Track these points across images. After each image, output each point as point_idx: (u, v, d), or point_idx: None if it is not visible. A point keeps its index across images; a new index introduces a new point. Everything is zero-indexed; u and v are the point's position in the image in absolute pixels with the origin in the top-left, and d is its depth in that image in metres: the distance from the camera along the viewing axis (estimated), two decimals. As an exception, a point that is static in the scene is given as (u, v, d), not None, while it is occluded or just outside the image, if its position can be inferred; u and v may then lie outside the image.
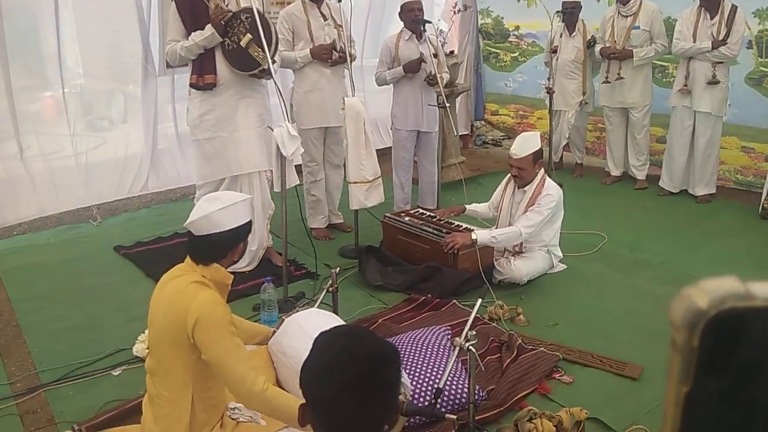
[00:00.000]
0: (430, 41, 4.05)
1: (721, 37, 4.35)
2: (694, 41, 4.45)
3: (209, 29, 3.06)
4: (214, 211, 1.91)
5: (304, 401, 1.16)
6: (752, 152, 4.89)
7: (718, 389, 0.29)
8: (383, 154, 4.01)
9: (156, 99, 4.67)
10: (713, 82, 4.44)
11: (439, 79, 3.92)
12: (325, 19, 3.76)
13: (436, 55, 4.12)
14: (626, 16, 4.82)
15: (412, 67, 4.05)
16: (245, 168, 3.32)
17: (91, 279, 3.47)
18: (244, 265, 3.44)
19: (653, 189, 5.03)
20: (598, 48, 5.05)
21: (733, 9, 4.35)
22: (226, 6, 3.09)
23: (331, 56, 3.72)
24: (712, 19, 4.40)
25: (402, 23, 4.17)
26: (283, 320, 2.42)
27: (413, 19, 4.02)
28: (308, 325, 2.20)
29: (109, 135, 4.77)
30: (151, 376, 1.93)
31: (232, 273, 2.04)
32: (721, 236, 4.09)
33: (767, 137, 4.45)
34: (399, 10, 4.16)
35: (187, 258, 1.95)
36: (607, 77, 5.01)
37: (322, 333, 1.20)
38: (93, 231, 4.26)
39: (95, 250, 3.88)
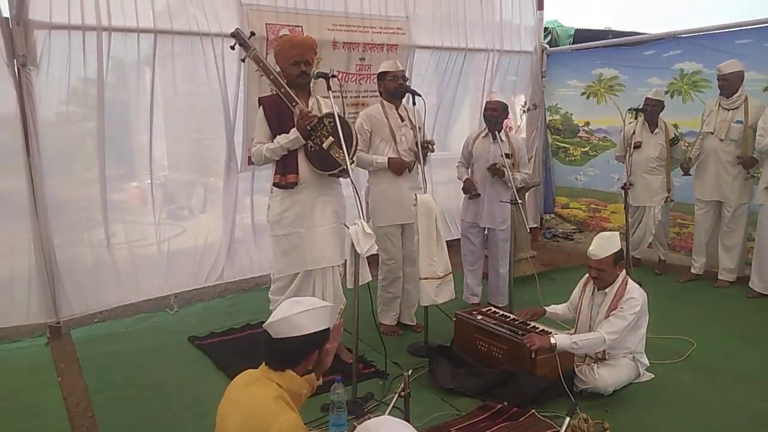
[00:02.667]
0: (507, 139, 4.24)
1: (808, 134, 4.19)
2: (779, 138, 4.31)
3: (294, 133, 3.22)
4: (295, 314, 1.91)
5: None
6: None
7: None
8: (450, 246, 4.03)
9: (236, 192, 4.88)
10: (803, 179, 4.23)
11: (508, 173, 3.98)
12: (402, 120, 3.91)
13: (509, 155, 4.17)
14: (728, 110, 4.74)
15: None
16: (320, 263, 3.37)
17: (165, 371, 3.52)
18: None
19: (741, 290, 4.73)
20: (694, 150, 4.95)
21: (821, 106, 4.22)
22: (310, 111, 3.27)
23: (402, 172, 3.86)
24: (798, 114, 4.27)
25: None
26: (354, 426, 2.34)
27: (489, 121, 4.20)
28: (381, 434, 2.11)
29: (188, 224, 4.98)
30: None
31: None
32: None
33: None
34: (484, 109, 4.35)
35: (263, 364, 1.94)
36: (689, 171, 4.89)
37: None
38: (169, 320, 4.38)
39: (170, 340, 3.96)
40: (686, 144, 5.22)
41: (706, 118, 4.88)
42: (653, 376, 3.30)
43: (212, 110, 4.66)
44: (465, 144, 4.43)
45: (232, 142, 4.70)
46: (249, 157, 4.63)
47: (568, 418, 1.96)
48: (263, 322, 2.02)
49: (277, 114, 3.30)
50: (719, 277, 4.91)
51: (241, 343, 3.87)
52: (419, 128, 3.91)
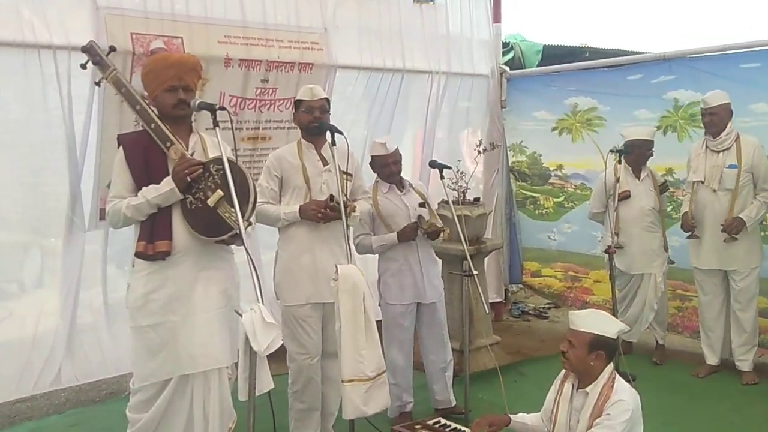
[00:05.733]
0: (415, 189, 4.50)
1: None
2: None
3: (167, 184, 3.17)
4: None
5: None
6: None
7: None
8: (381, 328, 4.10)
9: (82, 258, 4.75)
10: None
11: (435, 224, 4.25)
12: (325, 164, 3.96)
13: (423, 205, 4.43)
14: (717, 152, 5.08)
15: (408, 235, 4.29)
16: (200, 365, 3.27)
17: None
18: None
19: (765, 385, 4.98)
20: (687, 205, 5.24)
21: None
22: (191, 154, 3.26)
23: (323, 217, 3.85)
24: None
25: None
26: None
27: (388, 174, 4.43)
28: None
29: (16, 304, 4.77)
30: None
31: None
32: None
33: None
34: (370, 161, 4.54)
35: None
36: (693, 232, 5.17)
37: None
38: (-20, 450, 4.13)
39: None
40: (683, 194, 5.53)
41: (693, 164, 5.23)
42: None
43: (53, 146, 4.57)
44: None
45: (78, 189, 4.61)
46: (101, 210, 4.54)
47: None
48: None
49: (144, 157, 3.26)
50: (738, 367, 5.15)
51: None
52: (349, 176, 3.98)
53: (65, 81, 4.36)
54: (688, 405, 4.80)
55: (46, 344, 4.66)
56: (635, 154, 5.41)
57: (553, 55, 7.70)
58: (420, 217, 4.36)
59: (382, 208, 4.42)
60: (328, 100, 4.08)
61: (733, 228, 4.96)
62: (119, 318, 4.75)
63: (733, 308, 5.17)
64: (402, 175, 4.55)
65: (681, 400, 4.86)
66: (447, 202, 4.53)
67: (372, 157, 4.50)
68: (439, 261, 4.82)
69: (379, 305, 4.56)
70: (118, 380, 4.87)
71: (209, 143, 3.39)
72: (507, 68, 7.03)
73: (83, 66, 3.47)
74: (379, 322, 4.48)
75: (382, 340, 4.39)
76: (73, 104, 4.45)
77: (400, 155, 4.50)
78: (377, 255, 4.55)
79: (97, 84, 3.66)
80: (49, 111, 4.46)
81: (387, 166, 4.39)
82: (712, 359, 5.32)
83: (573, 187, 6.75)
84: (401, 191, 4.45)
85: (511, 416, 3.58)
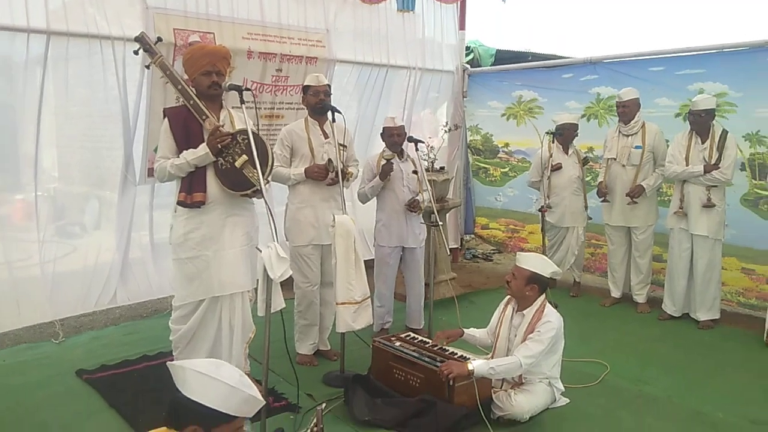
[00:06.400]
0: (412, 160, 4.41)
1: (713, 161, 4.61)
2: (687, 165, 4.71)
3: (203, 149, 3.15)
4: (204, 374, 1.79)
5: None
6: (753, 274, 5.03)
7: None
8: (369, 267, 4.10)
9: (133, 206, 4.70)
10: (708, 205, 4.64)
11: (425, 195, 4.18)
12: (326, 137, 3.92)
13: (416, 172, 4.38)
14: (627, 135, 5.12)
15: (385, 172, 4.26)
16: (227, 289, 3.29)
17: (49, 410, 3.29)
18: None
19: (655, 312, 5.09)
20: (602, 176, 5.30)
21: (724, 134, 4.66)
22: (222, 126, 3.22)
23: (326, 176, 3.86)
24: (703, 143, 4.70)
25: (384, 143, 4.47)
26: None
27: (393, 143, 4.36)
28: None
29: (79, 242, 4.73)
30: None
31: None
32: (728, 368, 4.09)
33: (767, 259, 4.60)
34: (381, 131, 4.48)
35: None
36: (606, 197, 5.24)
37: None
38: (54, 351, 4.11)
39: (55, 374, 3.71)
40: (600, 167, 5.57)
41: (608, 144, 5.27)
42: (569, 401, 3.47)
43: (110, 118, 4.50)
44: (367, 167, 4.46)
45: (131, 152, 4.54)
46: (149, 169, 4.49)
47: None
48: (163, 353, 1.93)
49: (184, 127, 3.21)
50: (635, 300, 5.26)
51: (136, 377, 3.67)
52: (344, 147, 3.95)
53: (121, 65, 4.28)
54: (597, 327, 4.90)
55: (104, 273, 4.64)
56: (565, 134, 5.44)
57: (503, 57, 7.62)
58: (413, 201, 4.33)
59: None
60: (329, 86, 4.03)
61: (635, 193, 5.02)
62: (162, 254, 4.78)
63: (633, 255, 5.26)
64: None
65: (591, 324, 4.96)
66: (419, 170, 4.50)
67: (383, 128, 4.46)
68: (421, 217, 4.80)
69: (373, 246, 4.62)
70: (161, 301, 4.86)
71: (236, 118, 3.35)
72: (468, 66, 6.97)
73: (135, 52, 3.41)
74: (372, 261, 4.55)
75: (373, 274, 4.45)
76: (127, 85, 4.36)
77: (405, 132, 4.45)
78: (376, 209, 4.53)
79: (147, 67, 3.61)
80: (107, 90, 4.38)
81: (392, 136, 4.35)
82: (615, 293, 5.42)
83: (516, 160, 6.76)
84: (401, 159, 4.40)
85: (464, 330, 3.66)
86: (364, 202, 4.55)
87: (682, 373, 3.97)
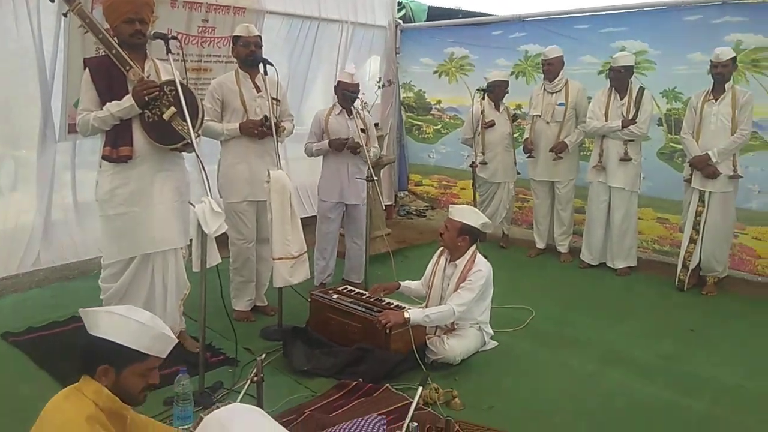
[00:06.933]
0: (359, 117, 4.37)
1: (630, 117, 4.86)
2: (606, 120, 4.93)
3: (128, 100, 3.03)
4: (116, 314, 1.80)
5: None
6: (667, 223, 5.38)
7: None
8: (306, 225, 4.10)
9: (53, 165, 4.50)
10: (625, 159, 4.91)
11: (365, 152, 4.15)
12: (258, 91, 3.84)
13: (364, 130, 4.37)
14: (552, 93, 5.28)
15: (337, 145, 4.30)
16: (159, 246, 3.23)
17: (-29, 373, 3.18)
18: (153, 352, 3.30)
19: (576, 262, 5.38)
20: (528, 133, 5.45)
21: (641, 90, 4.91)
22: (147, 77, 3.10)
23: (260, 133, 3.79)
24: (621, 99, 4.92)
25: (335, 98, 4.45)
26: (201, 418, 2.30)
27: (346, 98, 4.31)
28: (232, 425, 2.11)
29: (-5, 204, 4.50)
30: None
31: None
32: (642, 310, 4.41)
33: (680, 209, 4.94)
34: (335, 85, 4.46)
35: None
36: (531, 153, 5.42)
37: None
38: (-25, 315, 3.93)
39: (-23, 338, 3.57)
40: (526, 124, 5.75)
41: (534, 101, 5.43)
42: (497, 344, 3.67)
43: (23, 71, 4.22)
44: (316, 121, 4.48)
45: (49, 106, 4.33)
46: (70, 125, 4.28)
47: (420, 388, 2.13)
48: (96, 313, 1.91)
49: (107, 78, 3.08)
50: (558, 250, 5.53)
51: (66, 338, 3.58)
52: (277, 101, 3.89)
53: (35, 14, 4.04)
54: (524, 275, 5.15)
55: (25, 235, 4.47)
56: (496, 91, 5.54)
57: (435, 14, 7.64)
58: (351, 139, 4.30)
59: (330, 125, 4.39)
60: (260, 38, 3.93)
61: (559, 149, 5.23)
62: (86, 214, 4.62)
63: (556, 208, 5.49)
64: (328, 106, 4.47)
65: (519, 272, 5.19)
66: (369, 129, 4.52)
67: (338, 81, 4.43)
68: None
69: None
70: (87, 262, 4.69)
71: (162, 69, 3.23)
72: (401, 22, 6.95)
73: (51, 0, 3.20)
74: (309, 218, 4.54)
75: (311, 231, 4.45)
76: (43, 35, 4.12)
77: (359, 90, 4.43)
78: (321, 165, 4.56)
79: (64, 15, 3.38)
80: (20, 40, 4.11)
81: (346, 92, 4.31)
82: (540, 244, 5.66)
83: (448, 117, 6.85)
84: (349, 116, 4.37)
85: (400, 282, 3.76)
86: (309, 156, 4.58)
87: (600, 316, 4.25)
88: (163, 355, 1.92)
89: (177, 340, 2.05)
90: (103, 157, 3.13)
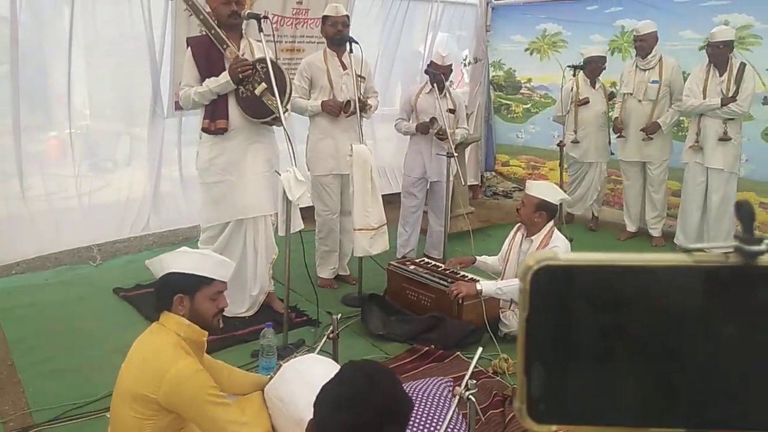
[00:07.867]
0: (450, 97, 4.45)
1: (730, 94, 4.59)
2: (704, 98, 4.69)
3: (225, 77, 3.29)
4: (174, 253, 2.05)
5: None
6: (770, 208, 5.05)
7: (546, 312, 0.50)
8: (389, 202, 4.23)
9: (162, 142, 4.89)
10: (724, 138, 4.65)
11: (449, 135, 4.21)
12: (345, 69, 4.01)
13: (453, 111, 4.43)
14: (644, 70, 5.08)
15: (422, 129, 4.40)
16: (250, 212, 3.50)
17: (88, 321, 3.61)
18: (244, 310, 3.59)
19: (670, 246, 5.17)
20: (618, 111, 5.28)
21: (742, 66, 4.61)
22: (242, 55, 3.35)
23: (339, 113, 3.96)
24: (721, 76, 4.65)
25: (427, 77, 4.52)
26: (280, 365, 2.51)
27: (436, 80, 4.36)
28: (307, 371, 2.29)
29: (112, 177, 4.98)
30: None
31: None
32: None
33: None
34: (428, 64, 4.57)
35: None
36: (621, 133, 5.26)
37: (350, 363, 1.35)
38: (92, 272, 4.43)
39: (94, 292, 4.03)
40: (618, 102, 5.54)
41: (625, 79, 5.22)
42: (574, 322, 3.64)
43: (137, 53, 4.61)
44: (406, 99, 4.61)
45: (158, 86, 4.69)
46: (176, 102, 4.64)
47: (480, 348, 2.21)
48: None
49: (207, 56, 3.35)
50: (651, 233, 5.34)
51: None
52: (363, 78, 4.03)
53: (146, 1, 4.38)
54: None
55: (136, 204, 4.89)
56: (591, 67, 5.39)
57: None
58: (433, 119, 4.33)
59: (419, 104, 4.51)
60: (348, 17, 4.08)
61: (651, 130, 5.04)
62: (191, 187, 4.97)
63: (648, 190, 5.30)
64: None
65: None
66: (458, 109, 4.61)
67: (430, 61, 4.55)
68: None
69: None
70: (191, 230, 5.11)
71: (256, 47, 3.46)
72: (492, -1, 6.89)
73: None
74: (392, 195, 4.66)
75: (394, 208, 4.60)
76: (153, 19, 4.48)
77: (451, 70, 4.54)
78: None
79: (171, -1, 3.70)
80: (134, 25, 4.49)
81: (437, 73, 4.37)
82: (631, 227, 5.49)
83: (538, 96, 6.74)
84: (440, 94, 4.40)
85: (477, 257, 3.82)
86: (400, 133, 4.73)
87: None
88: (225, 279, 2.13)
89: (234, 264, 2.30)
90: (203, 130, 3.43)
